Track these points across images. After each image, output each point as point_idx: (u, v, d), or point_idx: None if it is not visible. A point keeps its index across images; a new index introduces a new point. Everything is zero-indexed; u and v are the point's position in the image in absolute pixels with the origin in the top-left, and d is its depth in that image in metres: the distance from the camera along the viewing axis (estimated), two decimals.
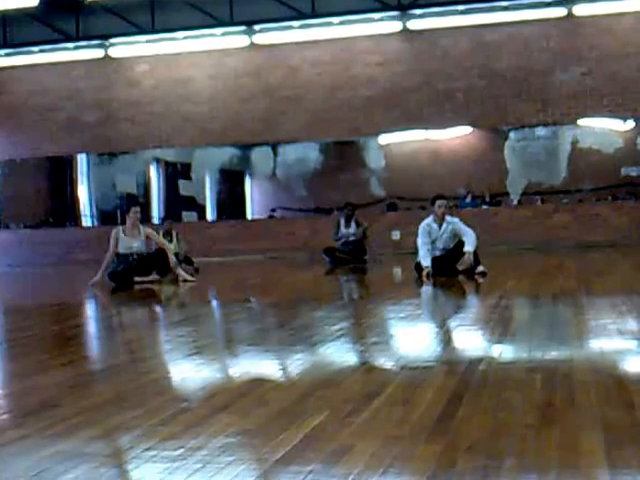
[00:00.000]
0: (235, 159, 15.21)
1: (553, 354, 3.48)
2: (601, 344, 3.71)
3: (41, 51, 15.15)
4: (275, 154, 14.82)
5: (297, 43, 14.31)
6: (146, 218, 11.42)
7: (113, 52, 14.99)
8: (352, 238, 11.64)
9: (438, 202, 7.95)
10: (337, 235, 11.68)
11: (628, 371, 3.15)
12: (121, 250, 8.52)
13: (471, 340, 4.10)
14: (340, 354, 3.74)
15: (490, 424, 2.31)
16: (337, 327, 4.54)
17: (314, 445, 2.16)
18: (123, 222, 8.87)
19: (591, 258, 10.46)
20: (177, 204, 15.61)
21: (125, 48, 14.94)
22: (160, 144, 15.09)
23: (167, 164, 15.93)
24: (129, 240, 8.57)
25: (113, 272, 8.47)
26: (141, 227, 8.77)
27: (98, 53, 15.04)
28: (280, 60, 14.45)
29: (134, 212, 8.67)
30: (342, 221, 11.81)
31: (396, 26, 13.89)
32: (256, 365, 3.56)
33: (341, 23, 13.94)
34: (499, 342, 3.81)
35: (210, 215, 15.60)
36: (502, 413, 2.44)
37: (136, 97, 15.03)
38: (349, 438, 2.22)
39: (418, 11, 13.70)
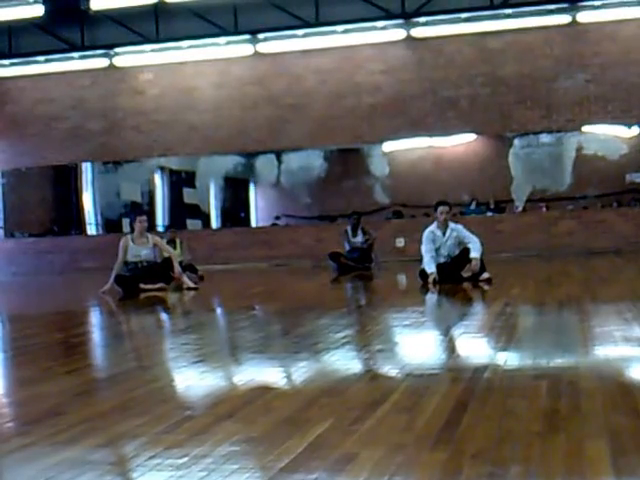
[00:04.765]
0: (239, 167, 15.24)
1: (558, 361, 3.47)
2: (606, 351, 3.70)
3: (46, 61, 15.23)
4: (279, 162, 14.84)
5: (301, 51, 14.35)
6: (151, 226, 11.44)
7: (118, 61, 15.06)
8: (359, 245, 11.69)
9: (440, 208, 7.96)
10: (349, 245, 11.70)
11: (634, 378, 3.14)
12: (130, 258, 8.62)
13: (476, 347, 4.09)
14: (345, 362, 3.73)
15: (495, 431, 2.30)
16: (342, 334, 4.53)
17: (319, 453, 2.15)
18: (130, 230, 8.95)
19: (596, 265, 10.43)
20: (182, 212, 15.64)
21: (130, 57, 15.00)
22: (165, 152, 15.13)
23: (172, 172, 15.97)
24: (138, 248, 8.67)
25: (120, 276, 8.53)
26: (149, 235, 8.88)
27: (103, 62, 15.11)
28: (284, 68, 14.50)
29: (140, 221, 8.76)
30: (349, 230, 11.84)
31: (400, 34, 13.92)
32: (260, 373, 3.56)
33: (345, 31, 13.98)
34: (504, 349, 3.80)
35: (214, 223, 15.63)
36: (507, 420, 2.43)
37: (141, 106, 15.09)
38: (354, 446, 2.21)
39: (422, 19, 13.73)
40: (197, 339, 4.91)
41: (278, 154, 14.77)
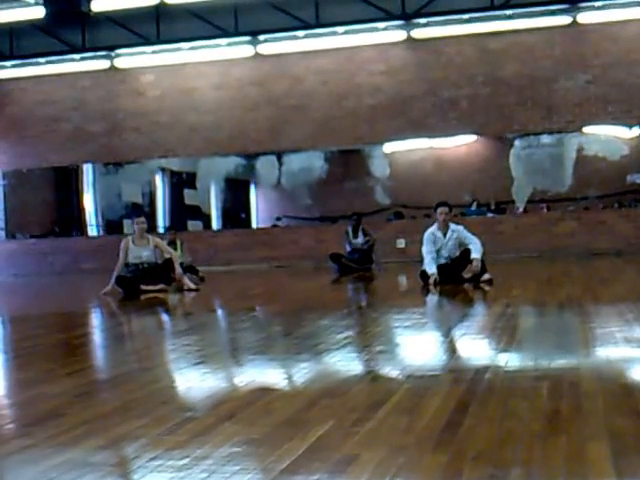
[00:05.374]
0: (240, 168, 15.24)
1: (559, 362, 3.47)
2: (608, 352, 3.70)
3: (47, 62, 15.23)
4: (280, 163, 14.84)
5: (302, 53, 14.35)
6: (151, 227, 11.45)
7: (119, 63, 15.07)
8: (359, 247, 11.71)
9: (440, 209, 7.98)
10: (350, 246, 11.72)
11: (635, 379, 3.14)
12: (131, 260, 8.65)
13: (477, 349, 4.09)
14: (345, 363, 3.73)
15: (496, 433, 2.30)
16: (342, 336, 4.53)
17: (319, 454, 2.15)
18: (132, 232, 8.99)
19: (597, 266, 10.43)
20: (182, 213, 15.65)
21: (131, 59, 15.01)
22: (165, 154, 15.14)
23: (172, 173, 15.97)
24: (138, 249, 8.70)
25: (121, 277, 8.55)
26: (150, 237, 8.91)
27: (104, 64, 15.11)
28: (285, 70, 14.50)
29: (137, 222, 8.80)
30: (350, 231, 11.85)
31: (400, 35, 13.92)
32: (261, 374, 3.56)
33: (345, 32, 13.98)
34: (505, 350, 3.80)
35: (215, 224, 15.63)
36: (508, 422, 2.43)
37: (142, 107, 15.09)
38: (354, 447, 2.21)
39: (422, 20, 13.72)
40: (198, 340, 4.91)
41: (279, 155, 14.77)
